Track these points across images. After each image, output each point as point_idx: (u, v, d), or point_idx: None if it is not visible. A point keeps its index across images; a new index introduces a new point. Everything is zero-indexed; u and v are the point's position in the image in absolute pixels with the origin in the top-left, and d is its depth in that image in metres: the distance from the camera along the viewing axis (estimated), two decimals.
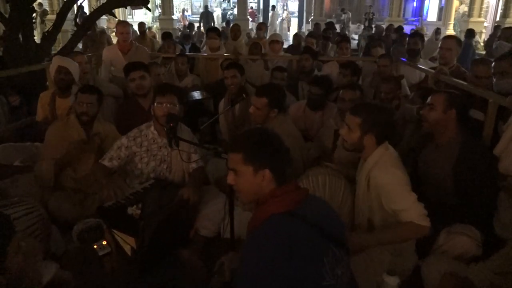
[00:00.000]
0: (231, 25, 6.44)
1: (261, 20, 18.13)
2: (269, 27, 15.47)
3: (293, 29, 17.05)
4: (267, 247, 1.21)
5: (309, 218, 1.27)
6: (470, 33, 7.68)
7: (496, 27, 10.31)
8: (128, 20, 13.99)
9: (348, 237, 1.63)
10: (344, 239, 1.37)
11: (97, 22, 7.31)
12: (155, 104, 2.41)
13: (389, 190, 1.86)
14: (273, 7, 18.51)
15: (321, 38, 6.80)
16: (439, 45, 3.75)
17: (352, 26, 15.96)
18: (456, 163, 2.21)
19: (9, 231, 1.15)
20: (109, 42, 7.53)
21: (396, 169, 1.89)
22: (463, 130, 2.28)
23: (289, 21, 18.40)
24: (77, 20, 5.97)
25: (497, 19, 14.10)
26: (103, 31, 7.81)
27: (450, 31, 13.16)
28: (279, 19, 17.92)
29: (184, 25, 15.33)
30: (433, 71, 3.56)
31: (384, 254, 1.95)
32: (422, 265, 2.00)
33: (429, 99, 2.32)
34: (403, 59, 4.45)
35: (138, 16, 16.90)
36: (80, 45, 6.54)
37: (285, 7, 20.38)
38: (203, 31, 11.95)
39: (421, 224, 1.80)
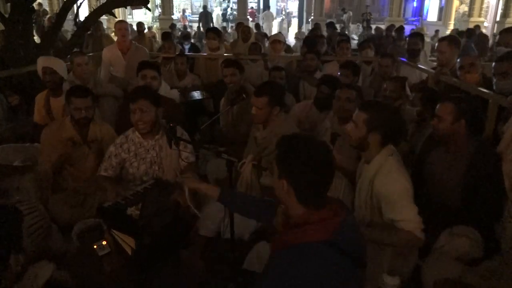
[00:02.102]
0: (241, 26, 6.33)
1: (260, 20, 18.13)
2: (263, 26, 15.47)
3: (294, 29, 17.03)
4: (295, 275, 1.18)
5: (343, 247, 1.22)
6: (470, 33, 7.66)
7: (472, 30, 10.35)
8: (128, 20, 14.01)
9: None
10: (365, 261, 1.34)
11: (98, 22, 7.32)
12: (131, 109, 2.38)
13: (392, 200, 1.83)
14: (268, 7, 18.46)
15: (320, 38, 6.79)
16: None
17: (352, 26, 15.98)
18: (468, 170, 2.15)
19: (20, 217, 1.24)
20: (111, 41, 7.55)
21: (401, 177, 1.86)
22: (474, 137, 2.21)
23: (289, 22, 18.41)
24: (77, 20, 5.97)
25: (497, 19, 14.10)
26: (105, 33, 7.84)
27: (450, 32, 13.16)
28: (279, 19, 17.92)
29: (185, 25, 15.34)
30: (433, 71, 3.56)
31: (384, 254, 1.95)
32: (422, 266, 2.00)
33: (437, 110, 2.23)
34: (403, 59, 4.45)
35: (138, 16, 16.90)
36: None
37: (283, 12, 20.36)
38: (202, 31, 11.96)
39: (418, 236, 1.81)
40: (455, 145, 2.22)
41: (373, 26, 12.76)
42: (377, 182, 1.88)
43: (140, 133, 2.46)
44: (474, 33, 7.83)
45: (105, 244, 1.93)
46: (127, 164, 2.50)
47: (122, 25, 4.38)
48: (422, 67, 4.05)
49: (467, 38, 7.56)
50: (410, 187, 1.86)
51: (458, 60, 3.12)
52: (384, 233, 1.88)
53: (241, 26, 6.32)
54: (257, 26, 7.11)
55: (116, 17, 7.91)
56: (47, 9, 13.52)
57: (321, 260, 1.19)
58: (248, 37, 5.58)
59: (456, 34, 9.48)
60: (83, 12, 9.92)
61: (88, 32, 6.58)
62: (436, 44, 3.76)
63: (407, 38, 4.99)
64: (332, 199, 1.34)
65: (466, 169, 2.15)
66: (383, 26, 11.65)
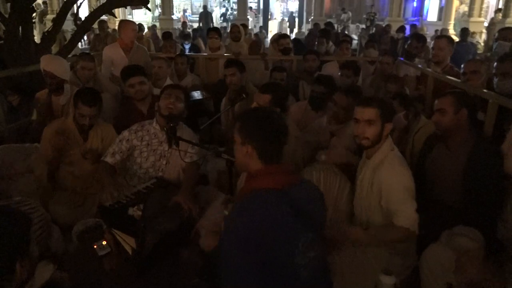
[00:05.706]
0: (231, 26, 6.31)
1: (261, 20, 18.14)
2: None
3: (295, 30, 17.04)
4: (245, 219, 1.29)
5: (294, 199, 1.35)
6: (464, 34, 7.57)
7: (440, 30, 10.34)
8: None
9: (336, 228, 1.87)
10: (323, 226, 1.49)
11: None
12: (162, 96, 2.49)
13: (393, 190, 1.86)
14: (250, 7, 18.31)
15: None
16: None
17: (351, 26, 15.97)
18: (468, 164, 2.16)
19: (29, 222, 1.25)
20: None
21: (404, 170, 1.90)
22: (474, 130, 2.24)
23: (292, 23, 18.42)
24: (77, 20, 5.98)
25: (491, 16, 14.14)
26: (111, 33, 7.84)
27: (451, 31, 13.17)
28: (279, 19, 17.92)
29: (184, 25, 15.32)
30: (439, 73, 3.55)
31: (381, 252, 1.95)
32: (420, 260, 1.97)
33: (436, 104, 2.26)
34: (401, 59, 4.45)
35: (138, 16, 16.90)
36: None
37: (274, 17, 20.37)
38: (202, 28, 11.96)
39: (412, 230, 1.85)
40: (456, 141, 2.24)
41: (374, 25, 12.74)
42: (379, 172, 1.91)
43: (166, 115, 2.44)
44: (468, 34, 7.78)
45: (105, 244, 1.92)
46: (137, 152, 2.51)
47: (133, 26, 4.34)
48: (429, 69, 4.05)
49: (460, 38, 7.50)
50: (412, 184, 1.89)
51: (463, 65, 3.09)
52: (380, 232, 1.93)
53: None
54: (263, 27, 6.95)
55: (116, 17, 7.93)
56: (47, 9, 13.49)
57: (268, 205, 1.32)
58: (238, 36, 5.49)
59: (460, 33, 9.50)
60: (83, 12, 9.92)
61: (96, 33, 6.60)
62: (433, 42, 3.76)
63: (409, 39, 4.99)
64: (289, 165, 1.52)
65: (466, 163, 2.17)
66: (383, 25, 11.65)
